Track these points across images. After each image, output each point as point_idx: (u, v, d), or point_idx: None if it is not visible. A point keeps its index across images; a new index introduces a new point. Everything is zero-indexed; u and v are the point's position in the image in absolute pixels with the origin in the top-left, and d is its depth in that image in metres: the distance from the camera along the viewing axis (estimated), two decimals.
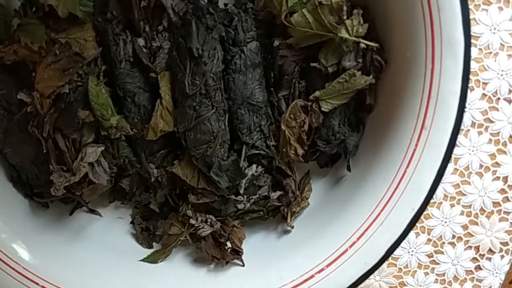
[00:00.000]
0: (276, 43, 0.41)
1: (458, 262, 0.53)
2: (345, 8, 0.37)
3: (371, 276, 0.53)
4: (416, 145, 0.37)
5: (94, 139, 0.40)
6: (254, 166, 0.43)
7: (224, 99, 0.40)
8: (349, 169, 0.43)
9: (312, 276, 0.39)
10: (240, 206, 0.44)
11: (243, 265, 0.43)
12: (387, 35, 0.39)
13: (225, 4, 0.42)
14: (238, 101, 0.41)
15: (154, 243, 0.46)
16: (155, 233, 0.46)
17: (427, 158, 0.36)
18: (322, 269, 0.39)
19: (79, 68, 0.38)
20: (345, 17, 0.37)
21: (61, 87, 0.38)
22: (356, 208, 0.40)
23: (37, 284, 0.39)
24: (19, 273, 0.39)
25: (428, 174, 0.36)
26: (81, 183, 0.40)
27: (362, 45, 0.39)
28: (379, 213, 0.38)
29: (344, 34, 0.37)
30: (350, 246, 0.38)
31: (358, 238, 0.38)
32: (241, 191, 0.43)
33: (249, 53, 0.41)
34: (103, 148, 0.40)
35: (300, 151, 0.42)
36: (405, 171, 0.37)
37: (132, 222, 0.47)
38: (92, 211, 0.45)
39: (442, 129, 0.36)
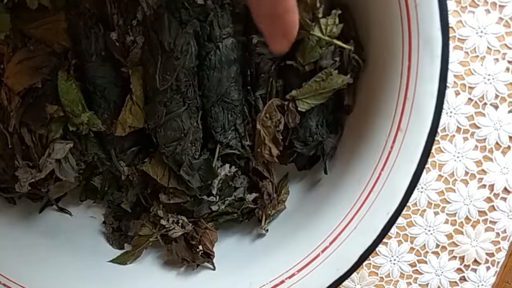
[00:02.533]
0: (255, 40, 0.40)
1: (442, 272, 0.51)
2: (319, 5, 0.36)
3: (352, 285, 0.52)
4: (392, 147, 0.35)
5: (62, 134, 0.39)
6: (227, 165, 0.41)
7: (197, 95, 0.39)
8: (325, 172, 0.42)
9: (282, 282, 0.37)
10: (214, 208, 0.43)
11: (214, 269, 0.42)
12: (366, 34, 0.38)
13: (205, 0, 0.41)
14: (212, 99, 0.40)
15: (125, 244, 0.45)
16: (127, 233, 0.45)
17: (403, 160, 0.35)
18: (293, 274, 0.37)
19: (53, 65, 0.37)
20: (320, 15, 0.36)
21: (33, 84, 0.37)
22: (330, 211, 0.38)
23: None
24: None
25: (404, 177, 0.35)
26: (47, 180, 0.39)
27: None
28: (353, 217, 0.37)
29: (317, 32, 0.36)
30: (322, 251, 0.37)
31: (331, 243, 0.37)
32: (214, 192, 0.42)
33: (224, 49, 0.39)
34: (71, 144, 0.39)
35: (275, 152, 0.41)
36: (380, 174, 0.36)
37: (104, 222, 0.46)
38: (61, 210, 0.44)
39: (418, 131, 0.34)
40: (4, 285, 0.38)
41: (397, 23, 0.34)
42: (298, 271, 0.37)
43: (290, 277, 0.37)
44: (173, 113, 0.38)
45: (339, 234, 0.37)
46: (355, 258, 0.36)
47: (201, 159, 0.39)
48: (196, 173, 0.40)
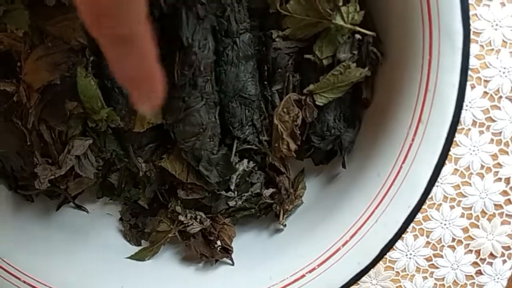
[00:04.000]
0: (275, 34, 0.40)
1: (458, 266, 0.51)
2: None
3: (368, 280, 0.52)
4: (413, 139, 0.35)
5: (81, 131, 0.39)
6: (245, 161, 0.41)
7: (215, 91, 0.39)
8: (344, 166, 0.41)
9: (303, 276, 0.37)
10: (231, 203, 0.43)
11: (233, 264, 0.42)
12: (384, 27, 0.38)
13: None
14: (229, 94, 0.40)
15: (142, 241, 0.45)
16: (143, 230, 0.45)
17: (424, 153, 0.35)
18: (313, 269, 0.37)
19: (71, 62, 0.37)
20: (340, 4, 0.36)
21: (52, 81, 0.37)
22: (350, 205, 0.38)
23: (19, 278, 0.38)
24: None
25: (425, 169, 0.35)
26: (66, 177, 0.39)
27: (358, 36, 0.37)
28: (373, 211, 0.37)
29: (338, 21, 0.36)
30: (343, 245, 0.37)
31: (351, 237, 0.37)
32: (232, 187, 0.42)
33: (241, 44, 0.39)
34: (91, 141, 0.39)
35: (293, 146, 0.41)
36: (400, 167, 0.36)
37: (121, 219, 0.46)
38: (78, 207, 0.44)
39: (440, 123, 0.34)
40: (24, 281, 0.38)
41: (418, 15, 0.34)
42: (319, 265, 0.37)
43: (310, 271, 0.37)
44: (192, 108, 0.38)
45: (359, 228, 0.37)
46: (376, 252, 0.36)
47: (219, 154, 0.39)
48: (214, 169, 0.39)
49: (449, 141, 0.35)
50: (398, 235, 0.36)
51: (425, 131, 0.35)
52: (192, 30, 0.37)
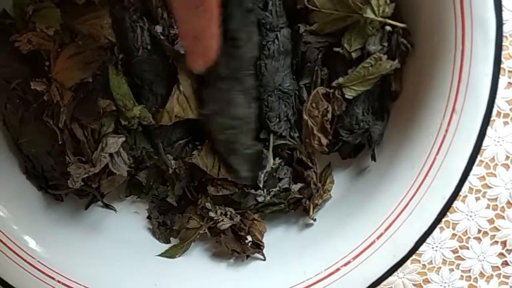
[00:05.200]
0: (302, 29, 0.40)
1: (484, 257, 0.51)
2: None
3: (394, 273, 0.51)
4: (447, 130, 0.35)
5: (114, 129, 0.39)
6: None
7: (256, 85, 0.39)
8: (374, 159, 0.41)
9: (337, 270, 0.37)
10: (260, 199, 0.43)
11: (264, 259, 0.42)
12: (413, 18, 0.38)
13: None
14: (269, 88, 0.40)
15: (171, 238, 0.45)
16: (172, 227, 0.45)
17: (458, 143, 0.35)
18: (348, 262, 0.37)
19: (102, 60, 0.37)
20: None
21: (84, 79, 0.37)
22: (383, 198, 0.38)
23: (53, 278, 0.38)
24: (33, 266, 0.37)
25: (459, 160, 0.35)
26: (99, 175, 0.39)
27: (388, 28, 0.37)
28: (408, 203, 0.36)
29: (369, 14, 0.36)
30: (378, 238, 0.37)
31: (386, 229, 0.37)
32: (261, 185, 0.41)
33: (282, 38, 0.39)
34: (124, 138, 0.39)
35: (325, 141, 0.41)
36: (434, 158, 0.36)
37: (148, 217, 0.46)
38: (107, 206, 0.44)
39: (474, 112, 0.34)
40: (58, 281, 0.38)
41: (449, 6, 0.34)
42: (353, 258, 0.37)
43: (345, 264, 0.37)
44: (232, 100, 0.38)
45: (394, 220, 0.37)
46: (411, 244, 0.36)
47: (253, 149, 0.39)
48: (247, 163, 0.39)
49: (483, 131, 0.35)
50: (433, 227, 0.36)
51: (459, 122, 0.35)
52: (240, 22, 0.37)
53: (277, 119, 0.40)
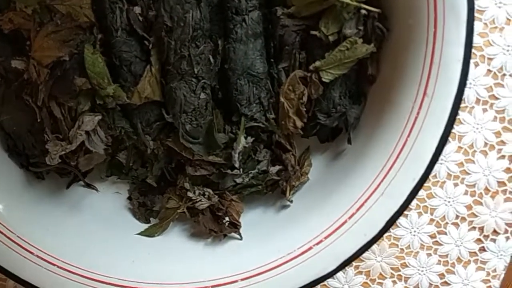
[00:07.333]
0: (279, 12, 0.41)
1: (461, 243, 0.52)
2: None
3: (373, 257, 0.52)
4: (418, 113, 0.36)
5: (90, 107, 0.39)
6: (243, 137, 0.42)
7: (194, 68, 0.39)
8: (349, 142, 0.42)
9: (310, 248, 0.38)
10: (238, 180, 0.43)
11: (241, 239, 0.42)
12: (389, 3, 0.39)
13: None
14: (238, 72, 0.40)
15: (151, 219, 0.46)
16: (152, 208, 0.46)
17: (429, 125, 0.35)
18: (320, 241, 0.38)
19: (79, 39, 0.38)
20: None
21: (61, 57, 0.38)
22: (356, 180, 0.39)
23: (32, 253, 0.38)
24: (13, 241, 0.38)
25: (430, 143, 0.36)
26: (77, 152, 0.39)
27: (363, 12, 0.38)
28: (379, 184, 0.37)
29: None
30: (349, 218, 0.38)
31: (357, 209, 0.38)
32: (237, 165, 0.42)
33: (250, 22, 0.40)
34: (100, 117, 0.39)
35: (299, 124, 0.41)
36: (406, 141, 0.36)
37: (129, 198, 0.46)
38: (88, 185, 0.45)
39: (445, 96, 0.35)
40: (32, 253, 0.39)
41: None
42: (326, 237, 0.38)
43: (318, 243, 0.38)
44: (171, 85, 0.39)
45: (365, 201, 0.38)
46: (382, 224, 0.37)
47: (204, 128, 0.40)
48: (200, 142, 0.40)
49: (453, 114, 0.35)
50: (403, 208, 0.37)
51: (430, 104, 0.35)
52: (169, 7, 0.37)
53: (247, 102, 0.41)
